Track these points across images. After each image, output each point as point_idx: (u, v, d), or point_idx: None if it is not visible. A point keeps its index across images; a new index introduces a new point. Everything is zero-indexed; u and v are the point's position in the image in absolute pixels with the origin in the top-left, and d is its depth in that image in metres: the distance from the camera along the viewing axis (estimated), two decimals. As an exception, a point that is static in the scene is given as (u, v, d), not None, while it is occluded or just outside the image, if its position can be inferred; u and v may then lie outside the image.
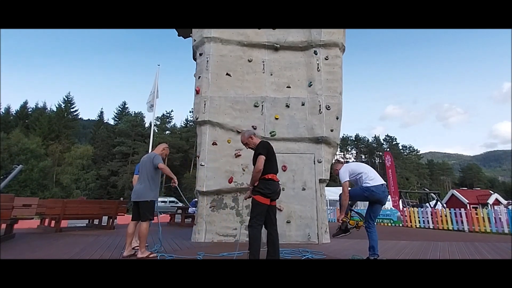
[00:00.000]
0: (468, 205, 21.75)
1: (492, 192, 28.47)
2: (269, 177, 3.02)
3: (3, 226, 4.94)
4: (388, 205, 18.72)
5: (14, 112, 45.73)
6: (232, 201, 5.39)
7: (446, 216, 9.47)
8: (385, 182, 3.55)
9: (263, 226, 3.02)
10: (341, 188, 3.64)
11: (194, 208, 9.31)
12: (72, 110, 47.07)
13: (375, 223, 3.59)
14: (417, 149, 73.00)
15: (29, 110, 45.97)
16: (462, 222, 9.00)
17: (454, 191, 30.43)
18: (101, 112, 54.28)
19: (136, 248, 3.86)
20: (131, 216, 3.84)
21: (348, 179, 3.53)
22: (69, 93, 50.52)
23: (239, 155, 5.48)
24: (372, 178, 3.46)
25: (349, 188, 3.50)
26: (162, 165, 3.74)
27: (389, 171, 13.10)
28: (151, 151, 4.66)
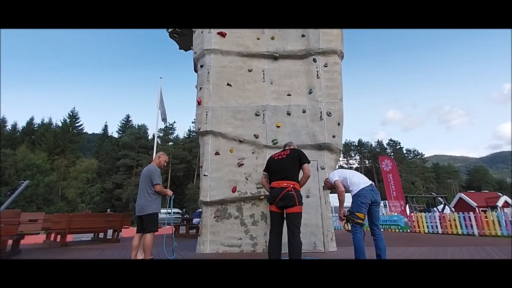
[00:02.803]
0: (477, 208, 21.31)
1: (501, 194, 27.87)
2: (271, 185, 3.22)
3: (10, 242, 4.96)
4: (384, 210, 18.32)
5: (21, 128, 46.53)
6: (236, 211, 5.36)
7: (454, 220, 9.29)
8: (371, 182, 3.59)
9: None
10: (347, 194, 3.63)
11: (198, 219, 9.26)
12: (77, 124, 47.76)
13: (381, 229, 3.55)
14: (421, 153, 72.21)
15: (35, 126, 46.71)
16: (471, 226, 8.81)
17: (462, 194, 29.80)
18: (106, 126, 55.00)
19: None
20: (135, 228, 3.89)
21: (338, 179, 3.62)
22: (74, 108, 51.58)
23: (242, 164, 5.49)
24: (356, 182, 3.50)
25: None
26: (158, 188, 3.84)
27: (389, 176, 12.82)
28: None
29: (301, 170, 3.23)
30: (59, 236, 6.75)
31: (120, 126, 53.78)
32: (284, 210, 3.08)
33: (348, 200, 3.51)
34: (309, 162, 3.29)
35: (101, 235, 8.10)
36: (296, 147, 3.63)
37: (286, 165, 3.16)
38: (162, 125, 51.55)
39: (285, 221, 3.12)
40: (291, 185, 3.02)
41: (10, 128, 45.86)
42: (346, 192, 3.65)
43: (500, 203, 24.55)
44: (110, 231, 7.74)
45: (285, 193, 2.98)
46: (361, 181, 3.51)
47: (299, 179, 3.20)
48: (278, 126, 5.67)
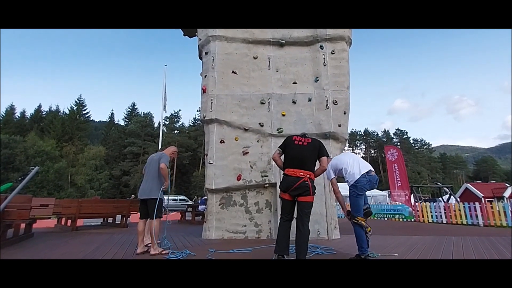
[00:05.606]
0: (483, 198, 21.15)
1: (508, 185, 27.53)
2: (285, 172, 3.17)
3: (23, 225, 5.15)
4: (388, 200, 18.22)
5: (29, 115, 47.24)
6: (241, 198, 5.43)
7: (459, 210, 9.26)
8: (369, 169, 3.45)
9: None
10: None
11: (203, 206, 9.43)
12: (84, 112, 48.21)
13: None
14: (428, 143, 71.27)
15: (43, 113, 47.35)
16: (476, 216, 8.78)
17: (468, 184, 29.55)
18: (112, 114, 55.37)
19: (149, 245, 3.95)
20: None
21: (334, 176, 3.56)
22: (80, 96, 52.02)
23: (247, 153, 5.51)
24: (351, 172, 3.39)
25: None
26: (164, 165, 3.84)
27: (394, 165, 12.74)
28: (160, 149, 4.77)
29: (317, 161, 3.25)
30: (69, 221, 6.97)
31: (126, 114, 54.20)
32: (296, 198, 3.09)
33: (346, 187, 3.49)
34: (328, 156, 3.32)
35: (110, 220, 8.34)
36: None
37: (306, 154, 3.16)
38: (167, 113, 51.70)
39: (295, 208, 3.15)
40: (307, 176, 3.04)
41: (19, 116, 46.63)
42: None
43: (507, 193, 24.29)
44: (118, 217, 7.96)
45: (301, 183, 3.00)
46: (355, 171, 3.39)
47: (315, 169, 3.21)
48: (284, 115, 5.63)
